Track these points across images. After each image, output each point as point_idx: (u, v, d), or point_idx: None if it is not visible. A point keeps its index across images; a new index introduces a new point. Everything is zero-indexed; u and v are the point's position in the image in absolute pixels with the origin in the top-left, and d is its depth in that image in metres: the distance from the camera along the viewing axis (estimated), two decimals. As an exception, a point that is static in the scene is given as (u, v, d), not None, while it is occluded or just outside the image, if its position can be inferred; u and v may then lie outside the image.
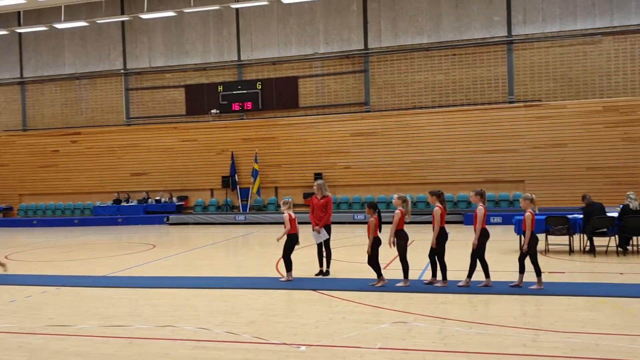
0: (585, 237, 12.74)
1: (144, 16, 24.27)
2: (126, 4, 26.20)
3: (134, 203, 25.49)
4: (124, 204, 25.51)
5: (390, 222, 9.18)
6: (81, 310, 8.36)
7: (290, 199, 9.97)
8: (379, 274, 9.22)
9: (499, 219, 19.48)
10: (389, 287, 9.13)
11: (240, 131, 25.09)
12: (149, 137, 26.08)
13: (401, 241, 9.10)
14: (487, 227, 9.00)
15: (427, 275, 9.68)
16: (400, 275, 9.23)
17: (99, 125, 27.04)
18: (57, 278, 11.24)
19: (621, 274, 10.21)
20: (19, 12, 27.26)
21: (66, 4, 25.61)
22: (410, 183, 22.86)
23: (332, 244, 10.67)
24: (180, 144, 25.67)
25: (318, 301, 8.54)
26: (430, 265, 9.36)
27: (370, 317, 7.49)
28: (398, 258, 9.24)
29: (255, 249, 15.96)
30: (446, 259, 9.19)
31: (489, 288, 8.83)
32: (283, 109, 24.91)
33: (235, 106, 25.16)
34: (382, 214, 9.33)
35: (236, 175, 24.76)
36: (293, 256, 9.93)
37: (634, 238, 12.70)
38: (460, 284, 9.04)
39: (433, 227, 9.05)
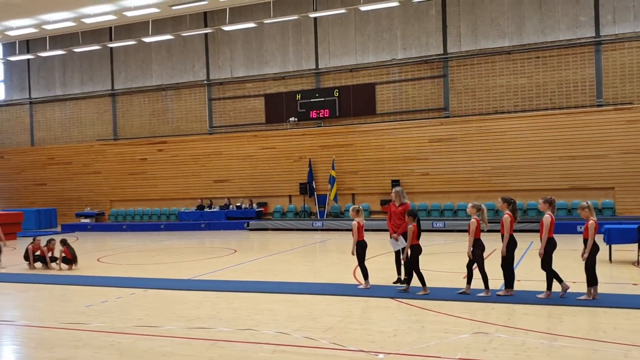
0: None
1: (226, 28, 25.07)
2: (209, 16, 27.16)
3: (216, 209, 26.29)
4: (206, 210, 26.36)
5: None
6: (167, 312, 8.71)
7: (360, 207, 10.12)
8: (408, 281, 9.30)
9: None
10: (469, 296, 8.92)
11: (317, 138, 25.35)
12: (231, 145, 26.85)
13: (478, 250, 8.94)
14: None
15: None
16: (481, 285, 8.99)
17: (184, 134, 28.12)
18: (145, 280, 11.76)
19: None
20: (110, 28, 28.89)
21: (153, 19, 26.91)
22: (490, 190, 22.26)
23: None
24: (260, 152, 26.26)
25: (396, 309, 8.48)
26: (503, 275, 9.05)
27: (450, 326, 7.34)
28: (481, 267, 9.02)
29: (332, 255, 16.03)
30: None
31: (569, 300, 8.45)
32: (360, 115, 24.95)
33: (313, 114, 25.46)
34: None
35: (314, 182, 25.01)
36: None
37: None
38: (540, 295, 8.72)
39: (502, 234, 8.83)
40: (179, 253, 17.27)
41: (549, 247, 8.62)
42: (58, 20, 26.54)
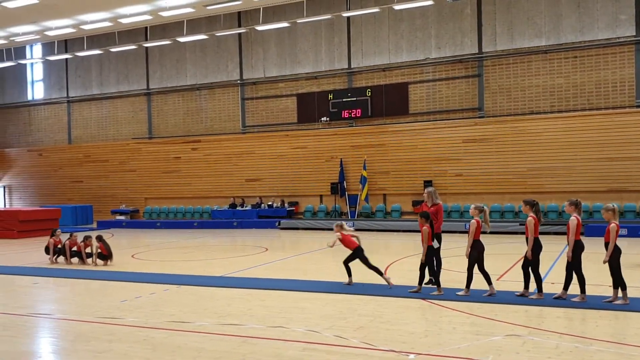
0: None
1: (259, 28, 25.24)
2: (243, 16, 27.38)
3: (248, 208, 26.49)
4: (239, 208, 26.59)
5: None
6: (199, 308, 8.82)
7: (342, 222, 10.90)
8: (438, 283, 9.39)
9: (624, 231, 18.10)
10: (500, 298, 8.80)
11: (349, 138, 25.32)
12: (263, 145, 27.02)
13: (474, 251, 9.01)
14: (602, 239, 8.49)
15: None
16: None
17: (217, 133, 28.41)
18: (178, 277, 11.93)
19: None
20: (145, 28, 29.36)
21: (188, 19, 27.25)
22: (525, 192, 21.90)
23: (442, 253, 10.47)
24: (291, 151, 26.36)
25: (428, 310, 8.42)
26: (523, 276, 8.95)
27: (481, 328, 7.26)
28: (470, 267, 9.10)
29: (363, 255, 15.97)
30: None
31: (612, 304, 8.27)
32: (393, 115, 24.82)
33: (345, 113, 25.43)
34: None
35: (345, 182, 24.98)
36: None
37: None
38: (575, 299, 8.58)
39: (526, 237, 8.80)
40: (211, 250, 17.47)
41: (577, 250, 8.52)
42: (95, 20, 27.09)
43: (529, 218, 8.82)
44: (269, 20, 25.94)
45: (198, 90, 28.92)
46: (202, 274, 12.36)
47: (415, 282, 9.59)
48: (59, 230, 15.62)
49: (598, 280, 9.69)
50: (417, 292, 9.34)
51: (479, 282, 9.33)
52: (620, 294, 8.32)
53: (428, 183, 22.82)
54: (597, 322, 7.46)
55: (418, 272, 9.47)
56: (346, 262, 10.54)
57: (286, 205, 25.93)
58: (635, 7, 20.97)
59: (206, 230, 24.60)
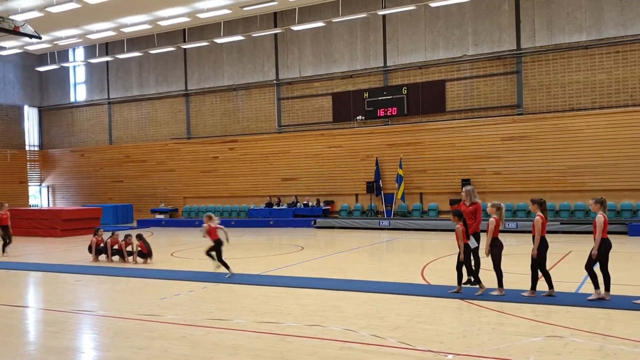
0: None
1: (295, 28, 25.34)
2: (279, 17, 27.52)
3: (284, 206, 26.63)
4: (275, 207, 26.75)
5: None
6: (237, 306, 8.90)
7: (210, 214, 11.96)
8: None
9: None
10: (540, 298, 8.63)
11: (385, 137, 25.19)
12: (298, 144, 27.12)
13: (495, 249, 9.00)
14: None
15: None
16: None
17: (254, 133, 28.64)
18: (216, 275, 12.04)
19: None
20: (184, 30, 29.80)
21: (225, 20, 27.54)
22: (566, 190, 21.46)
23: (480, 253, 10.32)
24: (327, 150, 26.38)
25: (466, 310, 8.32)
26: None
27: (521, 329, 7.13)
28: (497, 265, 9.06)
29: (399, 255, 15.90)
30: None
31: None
32: (429, 113, 24.58)
33: (381, 112, 25.31)
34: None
35: (380, 180, 24.87)
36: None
37: None
38: (591, 297, 8.52)
39: (533, 236, 8.76)
40: (248, 249, 17.62)
41: (603, 248, 8.40)
42: (135, 23, 27.63)
43: (537, 217, 8.79)
44: (305, 20, 26.02)
45: (235, 90, 29.19)
46: (239, 272, 12.46)
47: (453, 282, 9.48)
48: (101, 229, 16.00)
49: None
50: (457, 293, 9.21)
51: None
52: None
53: (466, 181, 22.52)
54: (642, 324, 7.24)
55: (455, 272, 9.36)
56: (208, 252, 11.91)
57: (322, 204, 25.97)
58: (682, -1, 20.29)
59: (243, 229, 24.81)
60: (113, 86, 32.82)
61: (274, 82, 28.00)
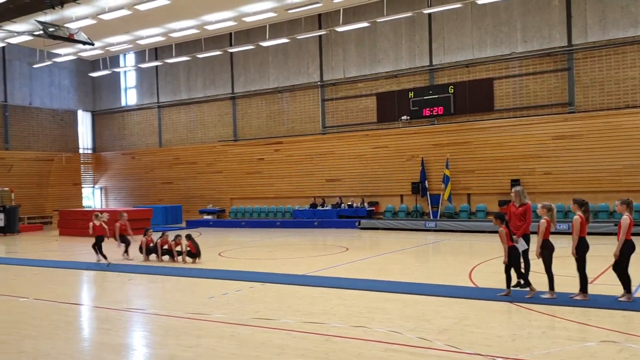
0: None
1: (339, 29, 25.35)
2: (323, 18, 27.59)
3: (329, 207, 26.65)
4: (319, 208, 26.81)
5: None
6: (283, 306, 8.97)
7: (97, 212, 14.59)
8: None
9: None
10: (594, 302, 8.36)
11: (430, 137, 24.91)
12: (343, 145, 27.10)
13: (546, 251, 8.81)
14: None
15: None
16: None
17: (298, 134, 28.79)
18: (262, 275, 12.19)
19: None
20: (230, 34, 30.23)
21: (270, 23, 27.80)
22: (620, 190, 20.71)
23: (530, 255, 10.08)
24: (371, 151, 26.27)
25: (515, 313, 8.14)
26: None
27: (573, 333, 6.93)
28: (548, 268, 8.86)
29: (446, 257, 15.69)
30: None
31: None
32: (476, 112, 24.18)
33: (426, 111, 25.04)
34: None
35: (426, 181, 24.59)
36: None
37: None
38: (621, 298, 8.35)
39: (572, 236, 8.58)
40: (293, 249, 17.72)
41: (626, 250, 8.31)
42: (183, 28, 28.19)
43: (576, 217, 8.64)
44: (349, 20, 25.99)
45: (280, 92, 29.42)
46: (285, 272, 12.56)
47: (502, 285, 9.29)
48: (150, 229, 16.38)
49: None
50: (506, 296, 9.03)
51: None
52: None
53: (515, 182, 22.04)
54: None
55: (504, 275, 9.17)
56: (93, 246, 14.63)
57: (366, 205, 25.88)
58: None
59: (288, 230, 24.98)
60: (162, 90, 33.57)
61: (319, 83, 28.08)
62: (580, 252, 8.59)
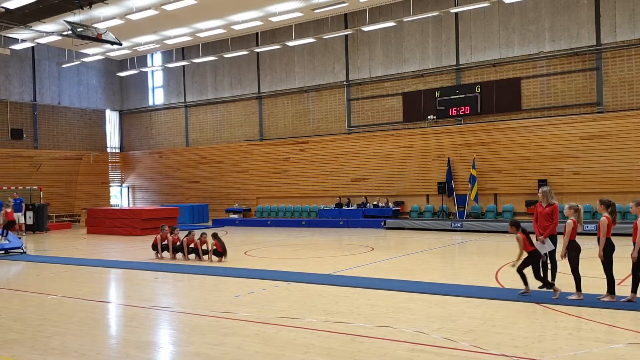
0: None
1: (365, 29, 25.33)
2: (349, 18, 27.59)
3: (354, 207, 26.64)
4: (345, 207, 26.82)
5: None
6: (308, 305, 9.02)
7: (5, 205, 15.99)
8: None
9: None
10: (621, 304, 8.24)
11: (457, 136, 24.74)
12: (368, 145, 27.08)
13: (573, 252, 8.75)
14: None
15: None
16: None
17: (324, 134, 28.84)
18: (288, 274, 12.27)
19: None
20: (256, 34, 30.42)
21: (296, 23, 27.90)
22: (652, 191, 20.32)
23: (557, 256, 9.97)
24: (397, 151, 26.19)
25: (542, 314, 8.07)
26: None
27: (601, 335, 6.85)
28: (575, 269, 8.81)
29: (472, 257, 15.59)
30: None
31: None
32: (504, 112, 23.94)
33: (453, 111, 24.87)
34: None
35: (452, 181, 24.43)
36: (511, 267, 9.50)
37: None
38: (623, 299, 8.33)
39: (598, 238, 8.48)
40: (318, 249, 17.77)
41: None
42: (210, 28, 28.46)
43: (603, 218, 8.52)
44: (375, 20, 25.95)
45: (306, 92, 29.50)
46: (310, 271, 12.61)
47: (534, 286, 9.20)
48: (177, 228, 16.58)
49: None
50: (526, 294, 9.01)
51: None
52: None
53: (543, 182, 21.78)
54: None
55: (533, 276, 9.11)
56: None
57: (391, 204, 25.81)
58: None
59: (313, 229, 25.04)
60: (189, 90, 33.93)
61: (344, 83, 28.09)
62: (606, 253, 8.50)
